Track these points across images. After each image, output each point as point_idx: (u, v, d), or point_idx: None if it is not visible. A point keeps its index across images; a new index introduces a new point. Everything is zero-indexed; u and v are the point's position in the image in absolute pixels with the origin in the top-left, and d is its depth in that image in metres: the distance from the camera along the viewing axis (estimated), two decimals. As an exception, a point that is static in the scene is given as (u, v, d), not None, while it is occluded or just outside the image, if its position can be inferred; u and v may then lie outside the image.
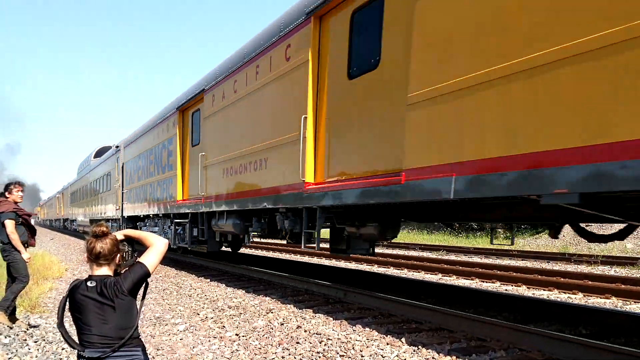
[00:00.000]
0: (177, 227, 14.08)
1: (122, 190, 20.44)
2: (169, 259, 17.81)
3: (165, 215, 15.32)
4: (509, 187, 4.68)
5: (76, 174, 40.72)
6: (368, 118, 6.74)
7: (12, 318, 7.25)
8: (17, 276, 7.19)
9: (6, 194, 7.36)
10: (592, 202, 4.31)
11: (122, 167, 20.75)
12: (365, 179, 6.62)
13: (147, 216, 17.49)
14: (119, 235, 3.13)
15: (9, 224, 7.08)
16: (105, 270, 2.96)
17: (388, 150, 6.34)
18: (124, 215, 20.22)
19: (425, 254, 19.39)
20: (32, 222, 7.63)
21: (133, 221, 19.07)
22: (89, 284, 2.90)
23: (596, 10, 4.07)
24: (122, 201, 20.39)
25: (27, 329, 6.97)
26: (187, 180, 13.62)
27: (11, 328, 6.90)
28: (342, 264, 13.53)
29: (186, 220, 13.25)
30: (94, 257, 2.95)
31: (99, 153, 31.74)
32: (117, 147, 22.92)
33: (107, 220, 23.84)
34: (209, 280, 12.09)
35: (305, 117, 7.74)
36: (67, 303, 2.92)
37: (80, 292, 2.88)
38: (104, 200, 25.72)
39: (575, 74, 4.17)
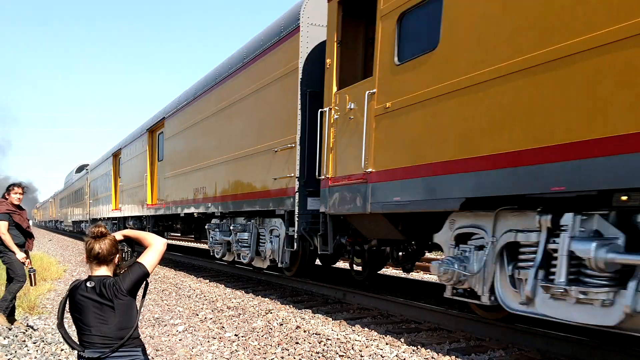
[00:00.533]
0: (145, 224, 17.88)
1: (90, 200, 29.50)
2: (167, 260, 17.80)
3: (136, 217, 18.90)
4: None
5: (63, 184, 49.45)
6: None
7: (11, 319, 7.25)
8: (14, 276, 7.19)
9: (5, 195, 7.37)
10: None
11: (89, 184, 29.73)
12: None
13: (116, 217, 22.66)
14: (118, 235, 3.13)
15: (2, 225, 7.08)
16: (104, 271, 2.96)
17: None
18: (93, 217, 28.29)
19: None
20: (28, 225, 7.58)
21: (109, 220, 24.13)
22: (88, 284, 2.90)
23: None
24: (89, 207, 29.60)
25: (26, 330, 6.96)
26: (155, 188, 16.65)
27: (10, 329, 6.89)
28: (341, 264, 13.51)
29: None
30: (93, 258, 2.95)
31: (79, 169, 39.87)
32: (86, 169, 32.43)
33: (81, 222, 34.60)
34: (207, 280, 12.09)
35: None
36: (67, 304, 2.92)
37: (80, 292, 2.88)
38: (80, 207, 34.93)
39: None
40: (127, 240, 3.17)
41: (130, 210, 19.31)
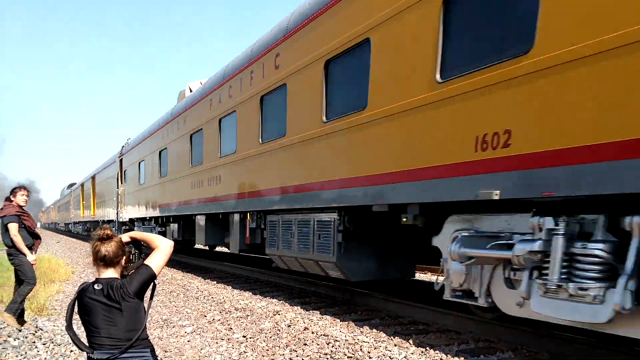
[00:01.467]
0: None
1: (72, 209, 46.67)
2: (175, 262, 17.83)
3: (109, 221, 25.65)
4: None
5: (59, 195, 71.40)
6: None
7: (21, 321, 7.28)
8: (24, 279, 7.23)
9: (11, 197, 7.40)
10: None
11: (72, 198, 46.48)
12: None
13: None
14: (125, 237, 3.14)
15: (12, 227, 7.12)
16: (111, 273, 2.97)
17: None
18: (73, 221, 46.63)
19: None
20: (35, 226, 7.66)
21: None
22: (96, 286, 2.91)
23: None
24: (71, 213, 47.75)
25: (36, 332, 7.00)
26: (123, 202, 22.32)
27: (20, 330, 6.93)
28: None
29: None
30: (100, 260, 2.96)
31: (70, 186, 54.94)
32: (70, 186, 53.28)
33: (67, 223, 53.13)
34: (215, 282, 12.11)
35: None
36: (75, 306, 2.93)
37: (88, 295, 2.89)
38: (67, 213, 53.31)
39: None
40: (134, 242, 3.17)
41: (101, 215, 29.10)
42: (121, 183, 22.46)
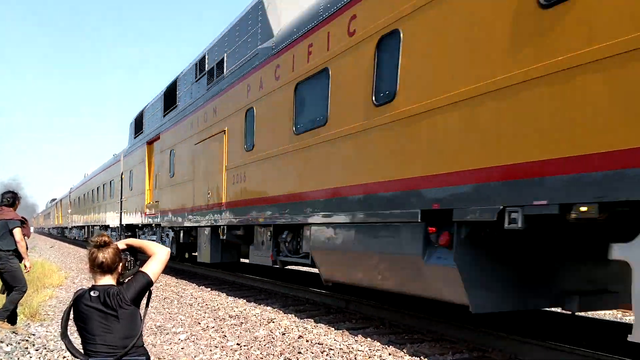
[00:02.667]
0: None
1: (53, 218, 65.15)
2: (169, 268, 17.76)
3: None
4: None
5: (44, 207, 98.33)
6: None
7: (11, 323, 7.27)
8: (16, 285, 7.18)
9: (5, 200, 7.38)
10: None
11: (51, 210, 71.30)
12: None
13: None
14: (121, 244, 3.13)
15: (19, 232, 7.11)
16: (108, 280, 2.97)
17: None
18: (53, 226, 66.81)
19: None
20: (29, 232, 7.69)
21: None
22: (92, 293, 2.90)
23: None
24: (52, 221, 68.60)
25: (29, 337, 6.95)
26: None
27: (15, 333, 6.90)
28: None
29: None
30: (97, 267, 2.96)
31: (52, 200, 73.77)
32: (52, 200, 74.70)
33: (55, 227, 63.52)
34: (209, 289, 12.08)
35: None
36: (71, 313, 2.93)
37: (84, 302, 2.89)
38: (49, 221, 75.86)
39: None
40: (130, 249, 3.17)
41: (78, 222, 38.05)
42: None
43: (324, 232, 7.55)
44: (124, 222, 20.37)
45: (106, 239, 3.01)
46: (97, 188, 28.33)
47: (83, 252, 27.56)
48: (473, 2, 5.16)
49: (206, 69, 12.40)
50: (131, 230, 19.07)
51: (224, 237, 10.95)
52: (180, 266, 17.57)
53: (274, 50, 9.11)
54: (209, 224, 11.68)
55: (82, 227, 35.10)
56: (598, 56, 4.03)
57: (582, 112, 4.17)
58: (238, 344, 6.61)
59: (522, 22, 4.65)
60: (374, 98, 6.52)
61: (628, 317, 8.77)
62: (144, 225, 17.77)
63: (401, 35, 6.08)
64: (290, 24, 8.88)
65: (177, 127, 14.43)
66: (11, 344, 6.47)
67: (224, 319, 8.29)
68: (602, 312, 9.18)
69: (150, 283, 3.01)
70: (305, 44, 8.10)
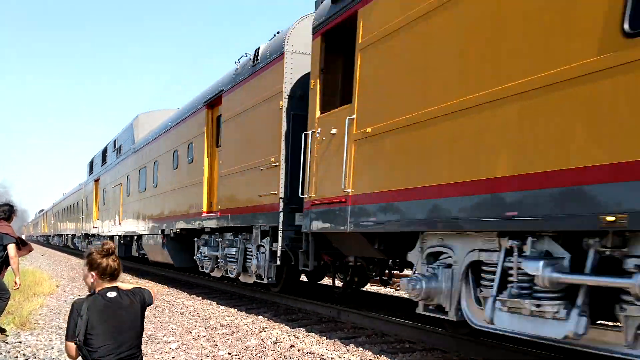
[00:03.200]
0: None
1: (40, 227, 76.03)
2: (160, 276, 17.72)
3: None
4: None
5: (33, 216, 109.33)
6: None
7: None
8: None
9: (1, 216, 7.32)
10: None
11: (38, 220, 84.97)
12: None
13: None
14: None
15: (13, 248, 7.05)
16: (114, 285, 3.14)
17: None
18: (40, 234, 78.03)
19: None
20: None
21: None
22: (109, 295, 3.06)
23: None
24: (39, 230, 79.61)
25: (18, 346, 6.91)
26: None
27: (6, 342, 6.86)
28: (327, 280, 13.49)
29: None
30: (109, 274, 3.09)
31: (40, 211, 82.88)
32: (41, 211, 79.46)
33: (42, 235, 72.29)
34: (201, 298, 12.04)
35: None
36: (82, 320, 2.96)
37: (99, 304, 3.01)
38: (37, 229, 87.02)
39: None
40: None
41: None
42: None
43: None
44: (84, 233, 30.27)
45: (111, 246, 3.13)
46: (70, 205, 38.41)
47: (74, 261, 27.46)
48: None
49: (116, 146, 22.29)
50: (88, 237, 28.94)
51: (122, 241, 20.12)
52: (173, 275, 17.51)
53: (135, 148, 18.80)
54: (118, 234, 20.60)
55: (61, 235, 46.32)
56: None
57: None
58: (229, 354, 6.59)
59: None
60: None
61: None
62: (92, 235, 27.15)
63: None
64: (142, 137, 18.42)
65: (106, 174, 24.23)
66: (0, 354, 6.43)
67: (215, 328, 8.26)
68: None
69: (150, 304, 3.32)
70: (147, 147, 17.33)
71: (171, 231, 13.99)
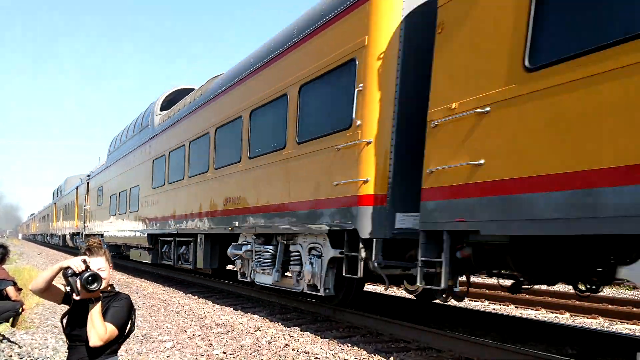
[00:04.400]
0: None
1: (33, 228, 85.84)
2: (157, 276, 17.70)
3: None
4: None
5: (28, 217, 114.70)
6: None
7: None
8: None
9: None
10: None
11: (31, 222, 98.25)
12: None
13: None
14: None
15: (12, 290, 7.14)
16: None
17: None
18: (31, 233, 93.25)
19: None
20: None
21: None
22: None
23: None
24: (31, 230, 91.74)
25: (13, 346, 6.91)
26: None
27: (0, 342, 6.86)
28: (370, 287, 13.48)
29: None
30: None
31: (31, 215, 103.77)
32: (32, 215, 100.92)
33: (32, 234, 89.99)
34: (196, 297, 12.04)
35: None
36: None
37: None
38: (28, 229, 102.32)
39: None
40: None
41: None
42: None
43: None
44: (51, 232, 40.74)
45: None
46: (48, 214, 52.18)
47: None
48: None
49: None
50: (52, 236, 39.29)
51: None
52: (168, 273, 17.50)
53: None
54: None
55: (43, 234, 62.05)
56: None
57: None
58: (224, 353, 6.60)
59: None
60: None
61: (615, 327, 8.86)
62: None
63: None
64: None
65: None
66: (-5, 352, 6.43)
67: (210, 327, 8.27)
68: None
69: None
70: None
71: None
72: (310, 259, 7.76)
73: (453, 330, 7.44)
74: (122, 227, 18.72)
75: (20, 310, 7.18)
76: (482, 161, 5.03)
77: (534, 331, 7.49)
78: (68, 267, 3.11)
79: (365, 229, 6.53)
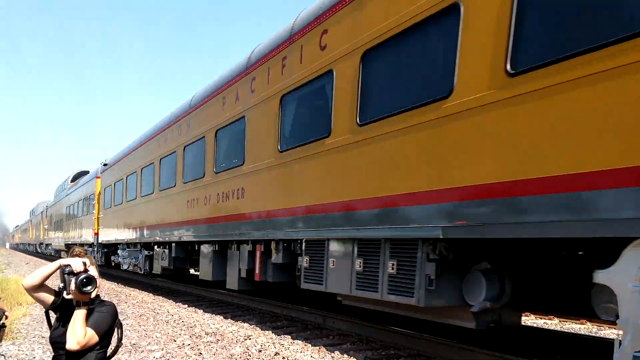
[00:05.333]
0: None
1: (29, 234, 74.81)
2: (147, 284, 17.59)
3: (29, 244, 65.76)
4: None
5: (14, 228, 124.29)
6: None
7: None
8: None
9: None
10: None
11: (15, 233, 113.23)
12: None
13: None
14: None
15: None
16: None
17: None
18: (16, 243, 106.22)
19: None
20: None
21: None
22: None
23: None
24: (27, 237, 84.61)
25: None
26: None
27: None
28: None
29: None
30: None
31: (16, 227, 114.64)
32: (17, 226, 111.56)
33: (17, 244, 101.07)
34: (186, 305, 11.97)
35: None
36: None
37: None
38: (14, 239, 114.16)
39: None
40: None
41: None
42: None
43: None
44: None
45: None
46: (27, 228, 62.09)
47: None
48: None
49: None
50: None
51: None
52: (160, 283, 17.40)
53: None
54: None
55: (24, 243, 75.03)
56: None
57: None
58: (214, 362, 6.56)
59: None
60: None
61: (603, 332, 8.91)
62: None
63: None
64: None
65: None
66: (-19, 364, 6.35)
67: (200, 336, 8.22)
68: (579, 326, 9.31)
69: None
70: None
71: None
72: None
73: (444, 336, 7.44)
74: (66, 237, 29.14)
75: (3, 317, 7.09)
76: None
77: (525, 337, 7.51)
78: (68, 265, 3.12)
79: None
